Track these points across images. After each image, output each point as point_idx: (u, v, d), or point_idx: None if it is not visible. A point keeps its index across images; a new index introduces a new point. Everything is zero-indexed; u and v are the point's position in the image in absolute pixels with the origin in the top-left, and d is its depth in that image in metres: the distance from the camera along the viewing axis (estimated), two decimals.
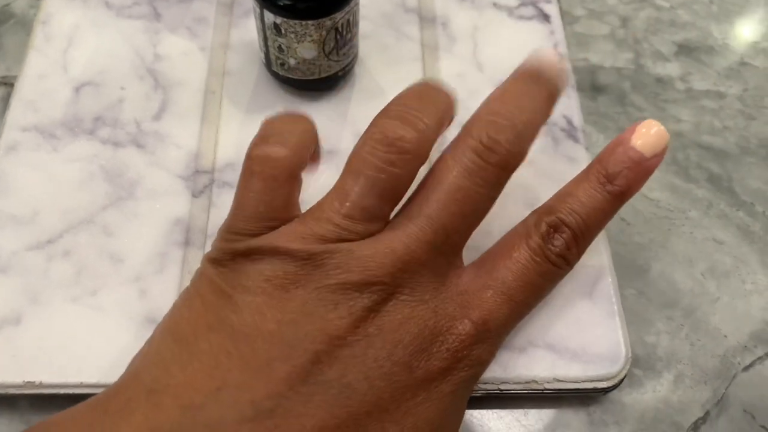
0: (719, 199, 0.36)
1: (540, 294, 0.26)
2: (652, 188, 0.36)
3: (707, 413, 0.31)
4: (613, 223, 0.35)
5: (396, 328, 0.23)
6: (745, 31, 0.43)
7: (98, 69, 0.37)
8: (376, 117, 0.26)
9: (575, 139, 0.35)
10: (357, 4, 0.33)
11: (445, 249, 0.25)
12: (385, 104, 0.26)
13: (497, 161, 0.25)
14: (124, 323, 0.30)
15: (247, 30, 0.38)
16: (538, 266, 0.25)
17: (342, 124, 0.36)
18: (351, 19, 0.33)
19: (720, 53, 0.42)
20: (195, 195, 0.33)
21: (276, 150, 0.25)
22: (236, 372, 0.22)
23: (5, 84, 0.39)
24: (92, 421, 0.22)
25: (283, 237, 0.24)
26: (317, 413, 0.21)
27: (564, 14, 0.42)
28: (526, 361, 0.29)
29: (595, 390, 0.29)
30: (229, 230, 0.25)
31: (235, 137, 0.35)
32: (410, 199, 0.26)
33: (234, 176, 0.34)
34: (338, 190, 0.25)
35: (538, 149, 0.34)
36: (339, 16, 0.32)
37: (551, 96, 0.27)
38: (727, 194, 0.36)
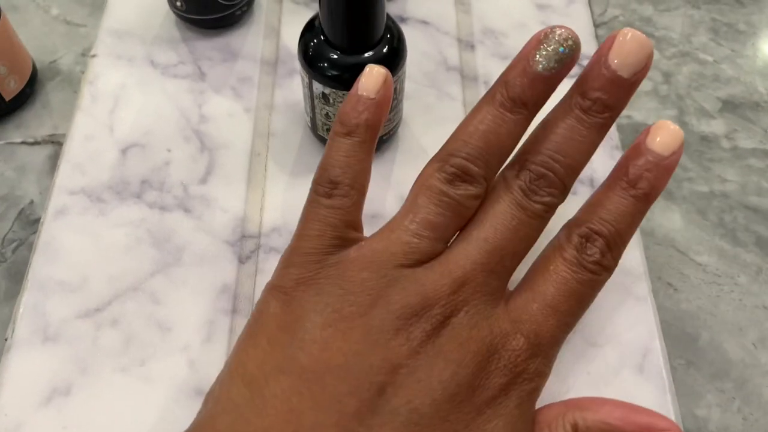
0: None
1: (583, 302, 0.27)
2: (699, 252, 0.36)
3: None
4: (660, 289, 0.35)
5: (456, 349, 0.24)
6: None
7: (144, 130, 0.37)
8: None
9: None
10: (404, 72, 0.33)
11: (498, 271, 0.26)
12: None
13: (543, 202, 0.26)
14: (172, 395, 0.30)
15: (291, 90, 0.39)
16: (576, 275, 0.26)
17: (386, 188, 0.36)
18: (398, 86, 0.33)
19: (766, 109, 0.41)
20: (242, 261, 0.33)
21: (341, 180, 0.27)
22: (309, 413, 0.23)
23: (52, 142, 0.39)
24: None
25: (352, 264, 0.25)
26: None
27: None
28: None
29: None
30: (295, 253, 0.26)
31: (280, 200, 0.35)
32: (467, 224, 0.27)
33: (280, 241, 0.34)
34: (407, 208, 0.26)
35: None
36: None
37: (602, 130, 0.27)
38: None
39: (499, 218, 0.26)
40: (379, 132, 0.28)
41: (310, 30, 0.32)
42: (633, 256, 0.34)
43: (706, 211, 0.38)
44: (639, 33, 0.26)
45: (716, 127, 0.41)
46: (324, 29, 0.31)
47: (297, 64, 0.40)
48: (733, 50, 0.44)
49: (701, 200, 0.38)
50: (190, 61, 0.40)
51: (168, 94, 0.39)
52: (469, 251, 0.25)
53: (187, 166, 0.36)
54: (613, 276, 0.34)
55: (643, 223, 0.37)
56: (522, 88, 0.26)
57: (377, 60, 0.31)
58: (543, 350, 0.25)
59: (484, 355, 0.24)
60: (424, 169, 0.27)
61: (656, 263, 0.36)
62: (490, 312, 0.25)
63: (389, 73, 0.27)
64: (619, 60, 0.25)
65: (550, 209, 0.26)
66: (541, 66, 0.26)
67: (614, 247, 0.26)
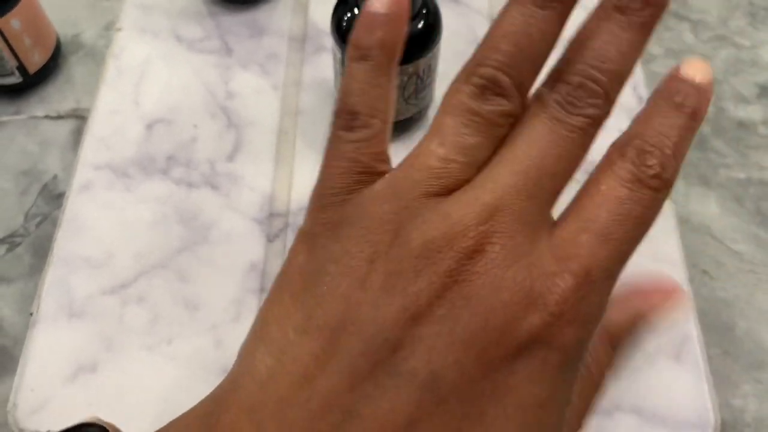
0: None
1: (642, 225, 0.22)
2: (736, 240, 0.35)
3: None
4: (695, 277, 0.34)
5: (487, 295, 0.20)
6: None
7: (170, 105, 0.37)
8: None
9: None
10: (439, 49, 0.32)
11: (536, 195, 0.22)
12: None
13: (585, 114, 0.22)
14: (200, 375, 0.29)
15: (319, 67, 0.38)
16: (633, 194, 0.22)
17: None
18: (432, 64, 0.32)
19: None
20: (270, 239, 0.33)
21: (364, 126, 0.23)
22: (323, 379, 0.21)
23: (76, 117, 0.39)
24: None
25: (374, 199, 0.22)
26: (405, 408, 0.20)
27: None
28: (612, 427, 0.28)
29: None
30: (320, 194, 0.23)
31: (309, 179, 0.34)
32: (500, 145, 0.23)
33: None
34: (433, 131, 0.22)
35: None
36: (422, 63, 0.31)
37: (644, 29, 0.23)
38: None
39: (533, 135, 0.22)
40: (399, 53, 0.24)
41: (343, 3, 0.31)
42: (669, 243, 0.33)
43: (743, 198, 0.37)
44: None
45: (753, 113, 0.40)
46: (358, 2, 0.30)
47: (326, 41, 0.39)
48: None
49: (738, 187, 0.37)
50: (217, 36, 0.39)
51: (194, 69, 0.38)
52: (499, 173, 0.22)
53: (214, 142, 0.35)
54: (649, 263, 0.33)
55: (679, 209, 0.36)
56: None
57: (412, 36, 0.30)
58: (596, 288, 0.21)
59: (522, 302, 0.21)
60: (450, 84, 0.23)
61: (692, 251, 0.36)
62: (529, 247, 0.21)
63: None
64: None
65: (595, 122, 0.23)
66: None
67: (672, 160, 0.22)
